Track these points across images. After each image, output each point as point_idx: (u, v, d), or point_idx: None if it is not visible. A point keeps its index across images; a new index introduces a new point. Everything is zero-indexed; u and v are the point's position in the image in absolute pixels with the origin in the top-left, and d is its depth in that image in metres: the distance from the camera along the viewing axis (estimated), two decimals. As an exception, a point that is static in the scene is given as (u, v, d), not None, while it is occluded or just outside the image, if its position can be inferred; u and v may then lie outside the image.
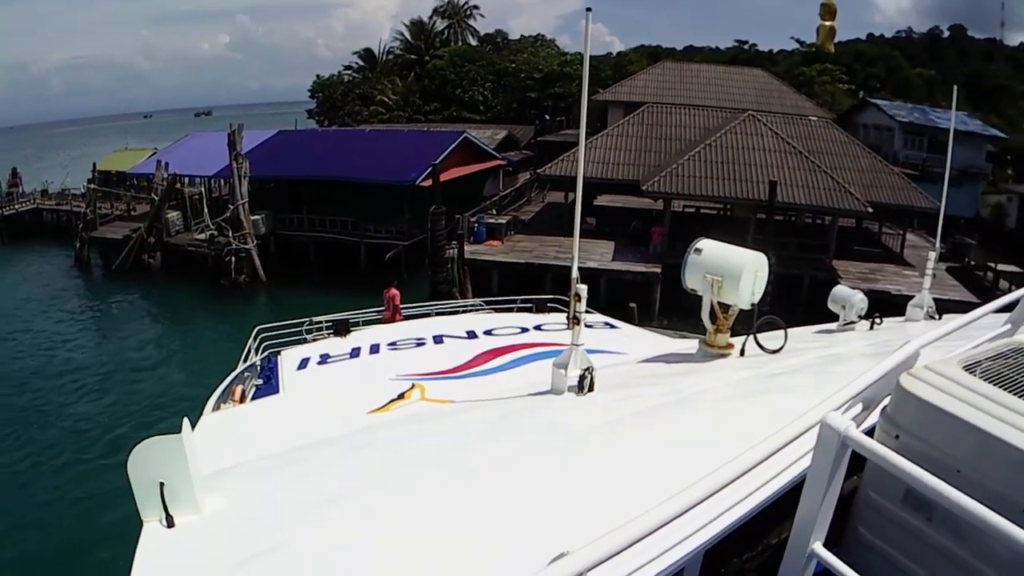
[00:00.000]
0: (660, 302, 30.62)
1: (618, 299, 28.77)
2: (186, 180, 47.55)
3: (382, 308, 17.35)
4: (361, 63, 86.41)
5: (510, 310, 15.04)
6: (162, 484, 3.64)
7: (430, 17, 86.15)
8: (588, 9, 5.71)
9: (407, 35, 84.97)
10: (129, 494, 3.57)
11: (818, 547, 2.91)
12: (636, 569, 2.67)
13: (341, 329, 12.63)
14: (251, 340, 13.19)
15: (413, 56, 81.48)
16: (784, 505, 3.19)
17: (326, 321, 13.76)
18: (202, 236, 40.38)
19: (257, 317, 21.98)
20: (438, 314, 15.66)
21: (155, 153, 54.62)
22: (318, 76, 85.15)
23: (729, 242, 6.86)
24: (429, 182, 35.44)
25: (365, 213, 38.67)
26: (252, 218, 38.69)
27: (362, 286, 29.50)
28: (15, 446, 23.42)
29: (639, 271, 31.72)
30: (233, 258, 37.72)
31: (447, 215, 33.01)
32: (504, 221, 37.29)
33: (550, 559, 2.05)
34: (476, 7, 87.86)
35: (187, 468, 3.69)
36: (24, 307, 40.49)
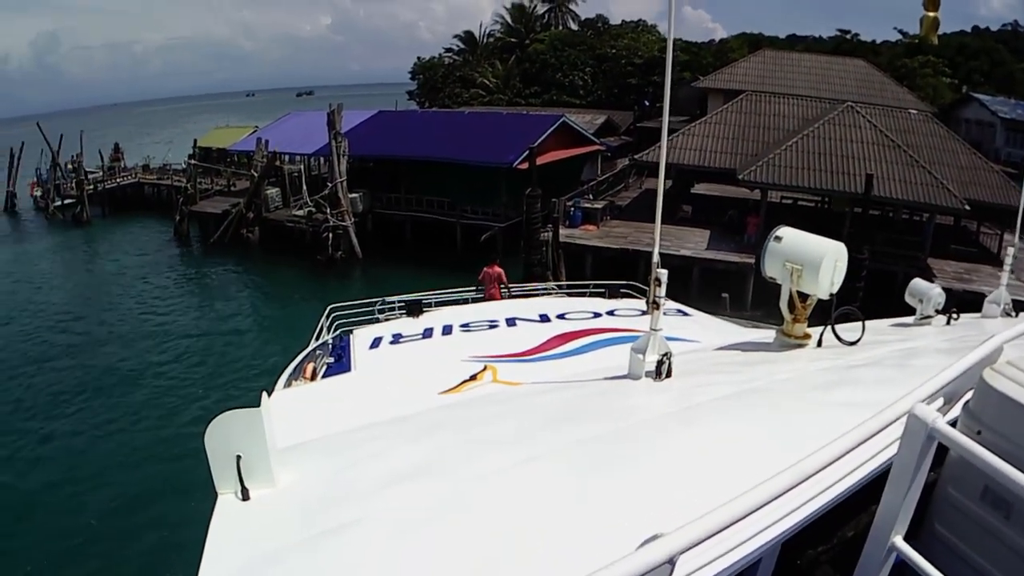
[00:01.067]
0: (753, 292, 30.42)
1: (711, 288, 28.93)
2: (285, 158, 49.12)
3: (467, 288, 17.30)
4: (462, 46, 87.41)
5: (583, 295, 15.09)
6: (239, 457, 3.84)
7: (531, 1, 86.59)
8: None
9: (508, 18, 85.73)
10: (205, 464, 3.83)
11: (899, 541, 2.95)
12: (716, 558, 2.74)
13: (414, 309, 12.84)
14: (323, 319, 13.67)
15: (514, 39, 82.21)
16: (861, 498, 3.26)
17: (399, 301, 14.00)
18: (300, 212, 41.77)
19: (352, 293, 22.96)
20: (512, 297, 16.29)
21: (255, 131, 56.46)
22: (419, 58, 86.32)
23: (824, 235, 6.81)
24: (526, 165, 35.83)
25: (462, 194, 39.52)
26: (350, 196, 39.76)
27: (457, 266, 29.69)
28: (106, 405, 25.04)
29: (732, 261, 31.53)
30: (330, 235, 38.79)
31: (543, 198, 33.39)
32: (600, 206, 37.52)
33: (640, 542, 2.13)
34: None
35: (264, 442, 3.90)
36: (124, 275, 42.82)
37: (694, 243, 33.09)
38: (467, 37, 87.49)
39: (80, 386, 26.93)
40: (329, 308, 14.04)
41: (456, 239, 39.11)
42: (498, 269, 18.28)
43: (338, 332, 12.69)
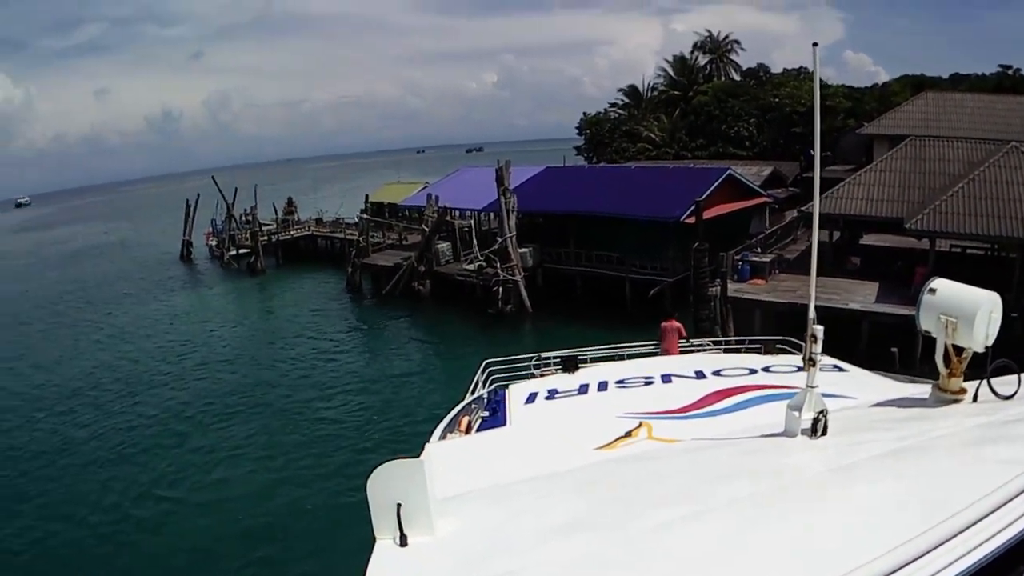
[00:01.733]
0: (922, 347, 29.10)
1: (880, 343, 28.47)
2: (456, 213, 51.10)
3: (635, 343, 16.86)
4: (626, 100, 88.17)
5: (739, 350, 14.91)
6: (399, 504, 3.98)
7: (692, 52, 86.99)
8: (814, 44, 5.91)
9: (670, 71, 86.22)
10: (363, 508, 4.05)
11: None
12: None
13: (570, 365, 12.87)
14: (479, 373, 13.88)
15: (677, 92, 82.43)
16: (1018, 556, 3.18)
17: (555, 357, 13.97)
18: (471, 266, 43.21)
19: (520, 346, 23.79)
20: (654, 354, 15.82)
21: (426, 187, 58.74)
22: (585, 113, 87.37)
23: (991, 286, 6.47)
24: (694, 219, 36.06)
25: (631, 248, 39.75)
26: (520, 251, 40.87)
27: (626, 321, 30.90)
28: (272, 443, 26.88)
29: (901, 314, 30.07)
30: (501, 288, 39.80)
31: (711, 252, 33.49)
32: (768, 260, 37.31)
33: None
34: (737, 41, 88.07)
35: (425, 492, 4.03)
36: (297, 322, 45.35)
37: (862, 296, 32.48)
38: (631, 91, 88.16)
39: (249, 423, 29.09)
40: (485, 363, 14.34)
41: (625, 294, 39.20)
42: (676, 323, 18.53)
43: (493, 387, 12.82)
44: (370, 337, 41.24)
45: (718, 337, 21.19)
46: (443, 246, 46.74)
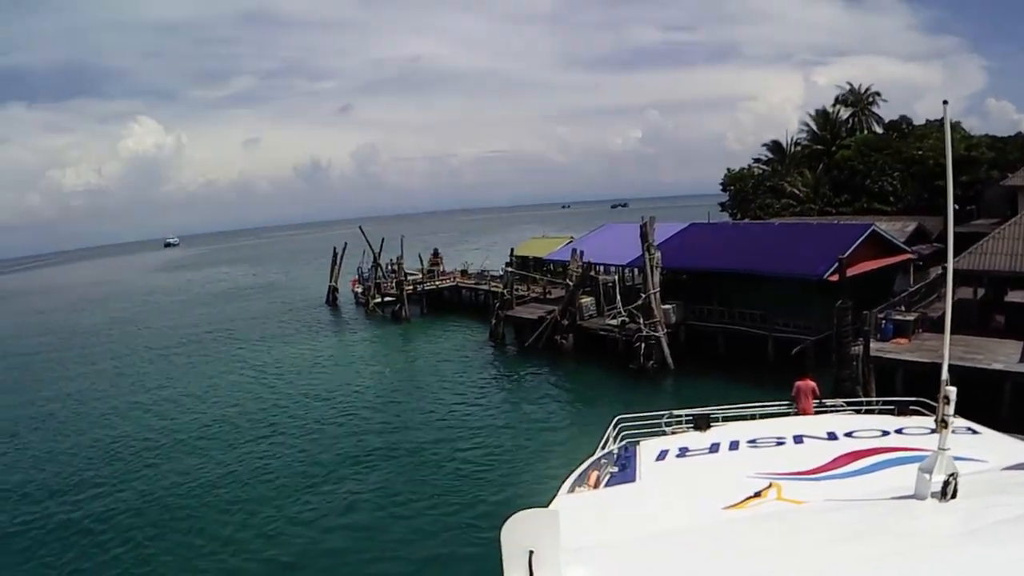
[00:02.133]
0: None
1: None
2: (600, 268, 52.55)
3: (771, 402, 17.01)
4: (770, 155, 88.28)
5: (871, 411, 14.89)
6: (531, 552, 4.02)
7: (833, 105, 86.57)
8: (944, 102, 6.23)
9: (813, 125, 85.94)
10: (494, 553, 4.19)
11: None
12: None
13: (701, 423, 13.08)
14: (610, 429, 14.32)
15: (820, 147, 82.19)
16: None
17: (686, 414, 14.38)
18: (614, 322, 44.01)
19: (660, 403, 24.53)
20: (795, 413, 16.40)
21: (571, 241, 60.44)
22: (729, 169, 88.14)
23: None
24: (837, 277, 36.09)
25: (773, 306, 39.89)
26: (664, 307, 41.48)
27: (768, 379, 30.11)
28: (406, 481, 28.36)
29: None
30: (643, 344, 40.45)
31: (855, 310, 33.36)
32: (912, 318, 36.70)
33: None
34: (878, 93, 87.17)
35: (557, 541, 4.08)
36: (438, 369, 47.31)
37: (1006, 356, 31.09)
38: (774, 146, 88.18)
39: (386, 466, 30.53)
40: (617, 419, 14.72)
41: (768, 352, 39.16)
42: (811, 383, 18.98)
43: (624, 442, 13.22)
44: (510, 388, 42.27)
45: (859, 397, 21.19)
46: (587, 300, 47.72)
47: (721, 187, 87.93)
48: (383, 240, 74.88)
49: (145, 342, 69.72)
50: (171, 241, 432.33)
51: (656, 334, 40.77)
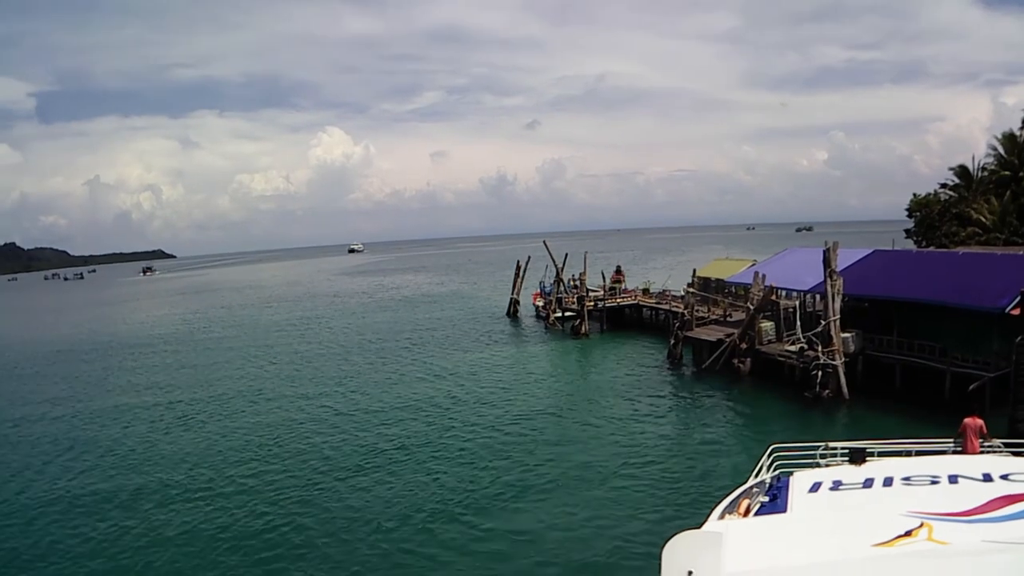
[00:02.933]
0: None
1: None
2: (782, 293, 53.09)
3: (939, 439, 17.65)
4: (956, 180, 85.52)
5: None
6: (690, 572, 4.17)
7: (1021, 129, 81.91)
8: None
9: (1000, 149, 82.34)
10: (649, 567, 4.71)
11: None
12: None
13: (857, 457, 13.23)
14: (764, 458, 14.74)
15: (1007, 172, 78.83)
16: None
17: (842, 447, 14.52)
18: (792, 348, 44.44)
19: (832, 433, 25.20)
20: (947, 452, 16.28)
21: (753, 264, 61.15)
22: (914, 195, 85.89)
23: None
24: (1019, 310, 35.17)
25: (952, 339, 39.21)
26: (843, 336, 41.59)
27: (942, 415, 30.83)
28: (566, 500, 28.77)
29: None
30: (819, 372, 40.61)
31: None
32: None
33: None
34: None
35: (718, 564, 4.26)
36: (614, 385, 49.03)
37: None
38: (961, 171, 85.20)
39: (552, 473, 31.90)
40: (771, 448, 15.19)
41: (944, 387, 38.26)
42: (979, 421, 19.08)
43: (777, 472, 13.68)
44: (683, 408, 43.14)
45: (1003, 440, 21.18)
46: (767, 325, 48.50)
47: (907, 213, 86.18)
48: (566, 255, 77.75)
49: (329, 340, 76.07)
50: (355, 247, 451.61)
51: (833, 363, 40.86)
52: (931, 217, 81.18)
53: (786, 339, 47.18)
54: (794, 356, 43.96)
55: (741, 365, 48.03)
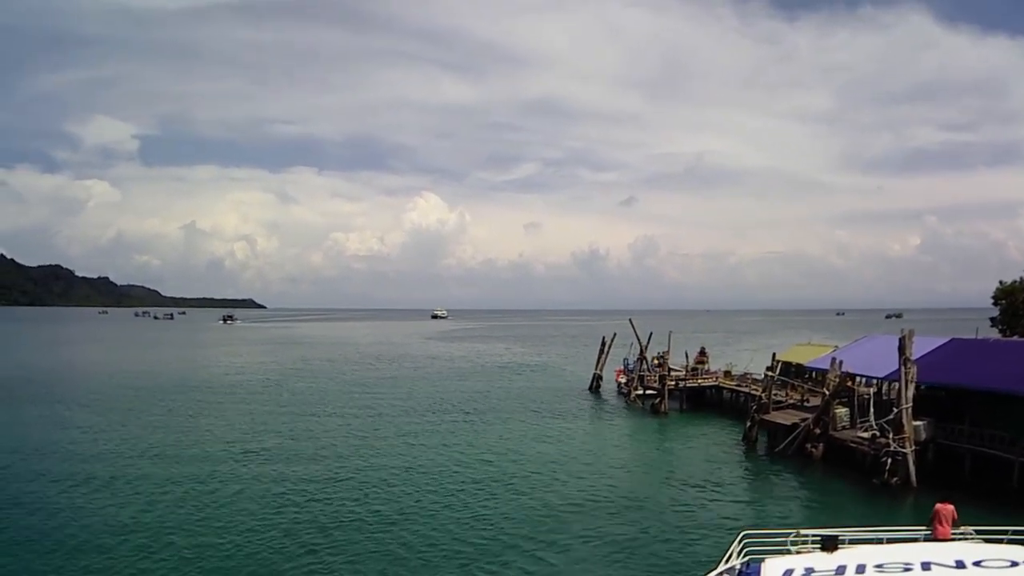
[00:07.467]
0: None
1: None
2: (860, 379, 55.17)
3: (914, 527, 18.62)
4: None
5: (1001, 541, 15.11)
6: None
7: None
8: None
9: None
10: None
11: None
12: None
13: (829, 545, 13.56)
14: (735, 544, 15.17)
15: None
16: None
17: (813, 535, 14.95)
18: (865, 434, 46.21)
19: (897, 521, 27.07)
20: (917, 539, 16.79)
21: (834, 350, 63.09)
22: (1001, 282, 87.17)
23: None
24: None
25: (1022, 428, 40.33)
26: (915, 423, 43.15)
27: (1009, 505, 32.69)
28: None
29: None
30: (889, 459, 42.15)
31: None
32: None
33: None
34: None
35: None
36: (686, 466, 50.92)
37: None
38: None
39: (621, 553, 32.38)
40: (742, 534, 15.60)
41: (1012, 477, 39.42)
42: (950, 507, 20.04)
43: (747, 559, 14.11)
44: (750, 490, 45.00)
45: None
46: (842, 411, 50.51)
47: (993, 301, 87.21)
48: (651, 334, 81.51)
49: (405, 404, 79.26)
50: (438, 313, 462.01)
51: (904, 450, 42.31)
52: (1016, 305, 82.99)
53: (860, 426, 48.75)
54: (866, 443, 45.65)
55: (814, 450, 49.75)
